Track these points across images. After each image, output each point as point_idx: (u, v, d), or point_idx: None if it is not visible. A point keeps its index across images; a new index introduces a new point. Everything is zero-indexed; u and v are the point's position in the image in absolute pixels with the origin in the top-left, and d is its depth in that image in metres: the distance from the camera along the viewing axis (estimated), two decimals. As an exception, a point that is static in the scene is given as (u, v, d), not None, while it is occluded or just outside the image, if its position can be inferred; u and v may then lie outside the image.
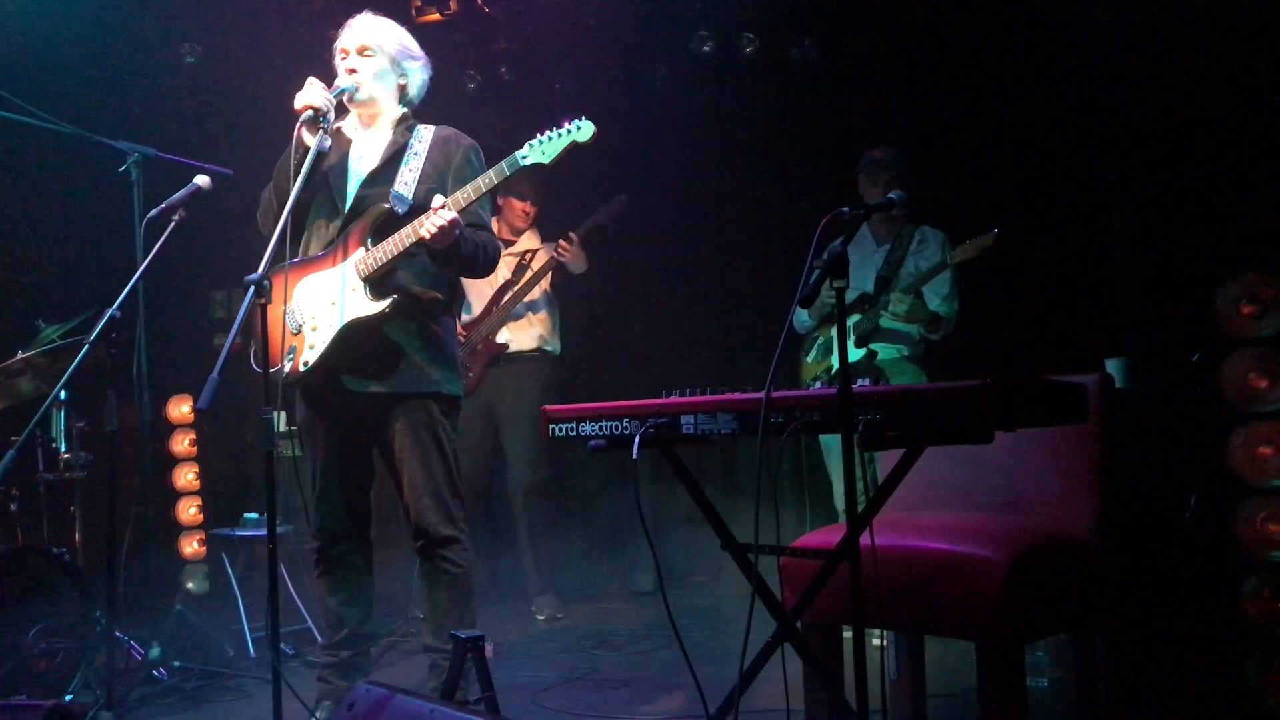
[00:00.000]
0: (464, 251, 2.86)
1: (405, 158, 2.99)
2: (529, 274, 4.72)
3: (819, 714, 2.49)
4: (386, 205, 2.91)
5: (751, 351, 5.27)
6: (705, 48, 5.25)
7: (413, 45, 3.08)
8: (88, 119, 3.72)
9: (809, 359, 4.26)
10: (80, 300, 3.90)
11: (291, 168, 2.85)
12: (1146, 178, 4.24)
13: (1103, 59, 4.20)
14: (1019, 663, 2.22)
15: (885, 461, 2.82)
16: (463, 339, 4.55)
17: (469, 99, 5.43)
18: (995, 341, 4.47)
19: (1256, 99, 3.75)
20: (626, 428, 2.31)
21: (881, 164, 4.15)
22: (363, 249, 2.88)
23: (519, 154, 2.80)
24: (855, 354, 4.02)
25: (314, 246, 3.00)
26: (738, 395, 2.18)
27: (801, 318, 4.28)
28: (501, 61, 5.49)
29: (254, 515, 4.36)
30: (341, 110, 2.98)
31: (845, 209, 2.17)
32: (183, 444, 5.15)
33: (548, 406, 2.50)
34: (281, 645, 3.69)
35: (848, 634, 2.27)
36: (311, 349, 2.89)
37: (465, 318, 4.66)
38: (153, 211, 3.20)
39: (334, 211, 2.99)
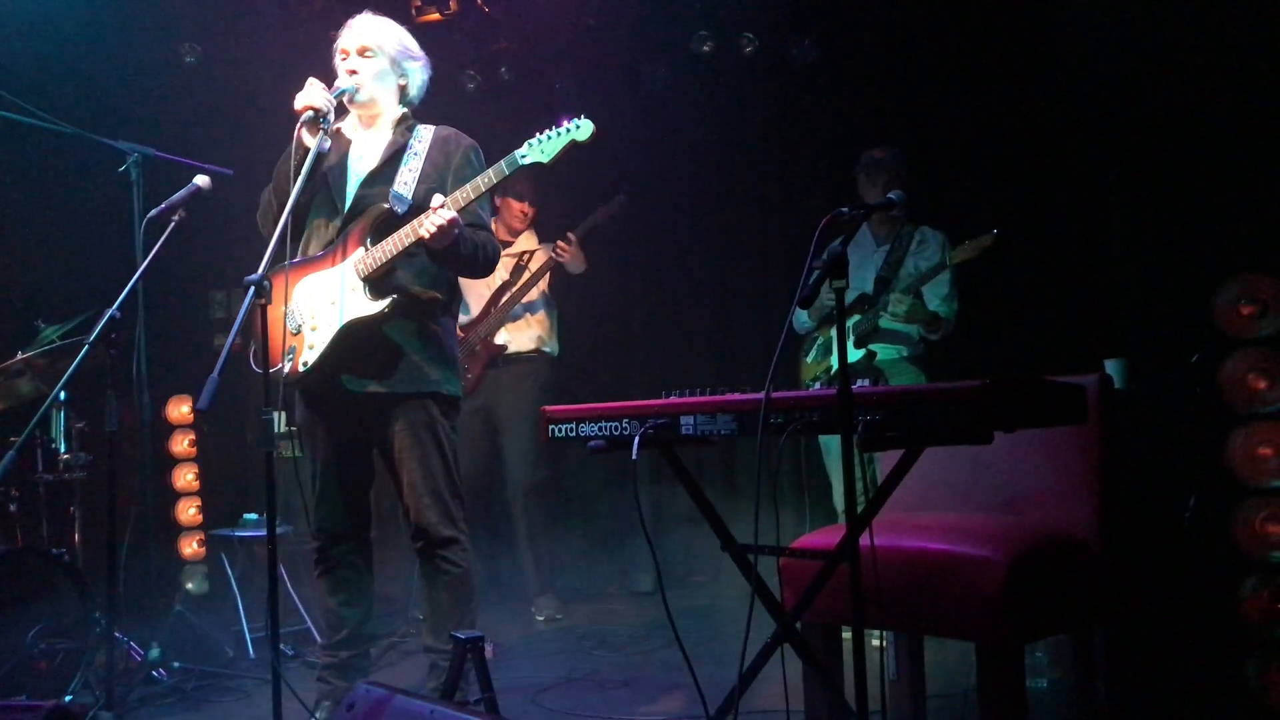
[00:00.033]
0: (463, 251, 2.86)
1: (405, 158, 2.99)
2: (527, 275, 4.72)
3: (819, 714, 2.49)
4: (386, 205, 2.91)
5: (751, 352, 5.27)
6: (705, 48, 5.25)
7: (413, 45, 3.08)
8: (88, 119, 3.72)
9: (808, 359, 4.26)
10: (80, 300, 3.90)
11: (291, 168, 2.85)
12: (1146, 178, 4.24)
13: (1102, 59, 4.20)
14: (1019, 663, 2.22)
15: (885, 462, 2.81)
16: (461, 340, 4.55)
17: (469, 99, 5.43)
18: (995, 342, 4.47)
19: (1256, 99, 3.75)
20: (626, 428, 2.31)
21: (881, 164, 4.16)
22: (362, 249, 2.88)
23: (518, 153, 2.80)
24: (855, 354, 4.02)
25: (313, 246, 3.00)
26: (737, 396, 2.18)
27: (801, 318, 4.28)
28: (501, 61, 5.50)
29: (253, 516, 4.36)
30: (342, 111, 2.98)
31: (845, 209, 2.17)
32: (182, 444, 5.15)
33: (547, 407, 2.50)
34: (281, 646, 3.68)
35: (847, 634, 2.27)
36: (311, 349, 2.89)
37: (463, 319, 4.65)
38: (153, 212, 3.20)
39: (333, 211, 2.99)
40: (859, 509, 2.12)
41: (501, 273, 4.69)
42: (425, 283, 2.96)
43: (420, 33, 3.19)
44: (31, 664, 3.27)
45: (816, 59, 5.13)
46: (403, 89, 3.06)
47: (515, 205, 4.77)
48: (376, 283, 2.87)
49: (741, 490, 5.08)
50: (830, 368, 4.11)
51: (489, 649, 3.34)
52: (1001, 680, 2.18)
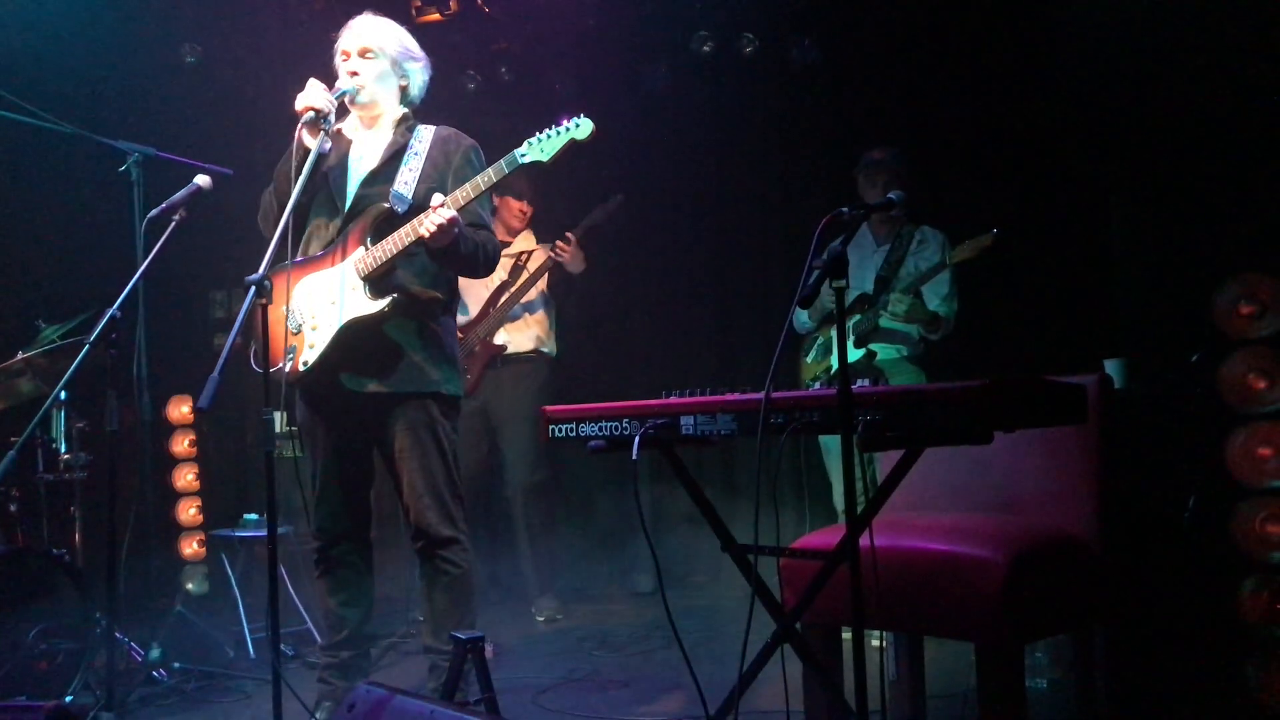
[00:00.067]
0: (463, 250, 2.86)
1: (405, 157, 2.99)
2: (525, 275, 4.72)
3: (819, 715, 2.49)
4: (386, 204, 2.91)
5: (751, 351, 5.27)
6: (705, 48, 5.25)
7: (413, 46, 3.08)
8: (88, 119, 3.73)
9: (808, 359, 4.26)
10: (80, 300, 3.90)
11: (292, 169, 2.85)
12: (1145, 178, 4.25)
13: (1102, 59, 4.21)
14: (1018, 663, 2.22)
15: (885, 462, 2.82)
16: (459, 341, 4.55)
17: (469, 99, 5.44)
18: (995, 342, 4.47)
19: (1256, 99, 3.75)
20: (626, 428, 2.31)
21: (881, 164, 4.16)
22: (362, 248, 2.88)
23: (518, 152, 2.80)
24: (855, 354, 4.02)
25: (314, 246, 3.00)
26: (737, 396, 2.18)
27: (801, 318, 4.28)
28: (501, 61, 5.50)
29: (254, 516, 4.36)
30: (342, 112, 2.98)
31: (845, 209, 2.17)
32: (183, 444, 5.15)
33: (548, 407, 2.50)
34: (281, 646, 3.69)
35: (847, 635, 2.27)
36: (311, 349, 2.90)
37: (461, 319, 4.64)
38: (153, 211, 3.20)
39: (334, 211, 2.99)
40: (859, 509, 2.12)
41: (500, 273, 4.69)
42: (425, 282, 2.96)
43: (420, 33, 3.19)
44: (32, 664, 3.27)
45: (816, 59, 5.13)
46: (404, 90, 3.06)
47: (514, 204, 4.77)
48: (377, 282, 2.87)
49: (741, 490, 5.07)
50: (830, 367, 4.11)
51: (489, 649, 3.34)
52: (1001, 680, 2.18)
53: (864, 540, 2.11)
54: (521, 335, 4.72)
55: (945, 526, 2.38)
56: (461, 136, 3.07)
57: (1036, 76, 4.59)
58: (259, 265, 2.54)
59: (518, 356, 4.70)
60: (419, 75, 3.09)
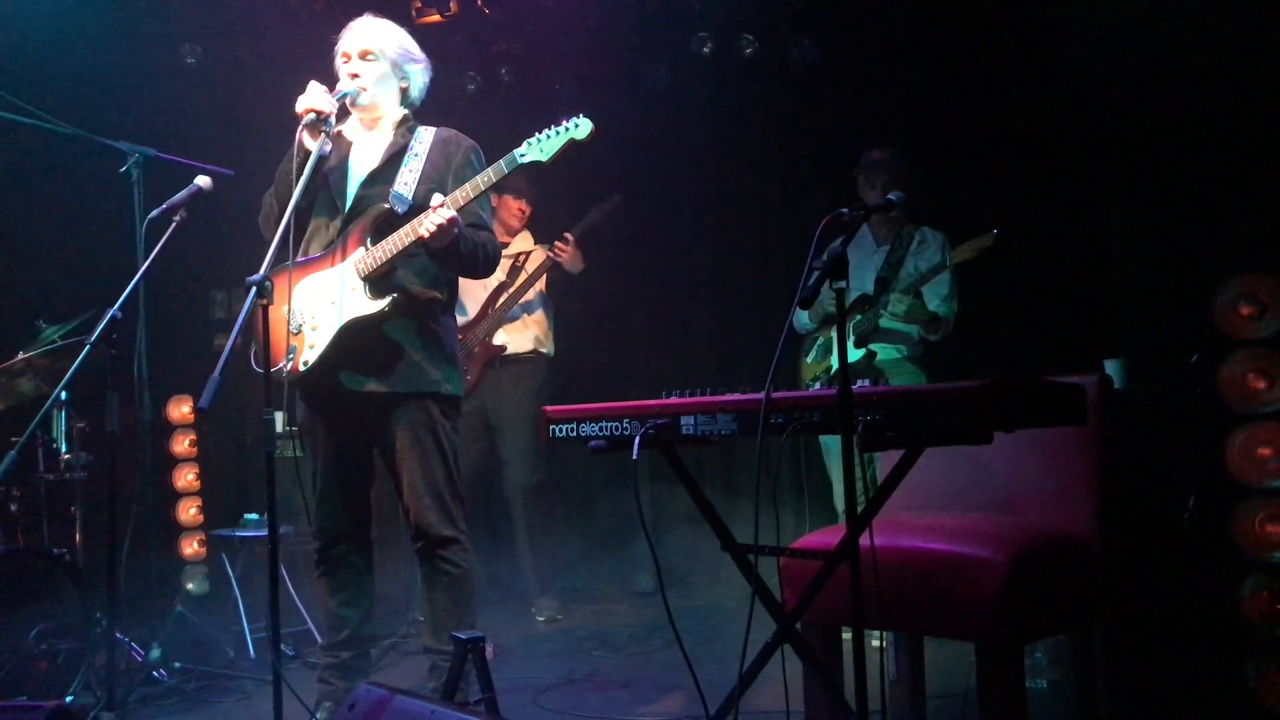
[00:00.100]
0: (463, 250, 2.86)
1: (405, 158, 2.99)
2: (523, 276, 4.72)
3: (819, 715, 2.49)
4: (386, 205, 2.91)
5: (751, 352, 5.28)
6: (705, 48, 5.25)
7: (414, 48, 3.08)
8: (88, 119, 3.72)
9: (809, 359, 4.26)
10: (81, 300, 3.90)
11: (293, 170, 2.85)
12: (1145, 178, 4.24)
13: (1102, 59, 4.20)
14: (1018, 663, 2.22)
15: (885, 462, 2.82)
16: (459, 341, 4.55)
17: (469, 99, 5.44)
18: (994, 342, 4.47)
19: (1256, 99, 3.75)
20: (626, 428, 2.31)
21: (880, 165, 4.16)
22: (362, 248, 2.88)
23: (517, 152, 2.80)
24: (855, 354, 4.02)
25: (314, 247, 3.00)
26: (737, 396, 2.18)
27: (801, 318, 4.28)
28: (501, 62, 5.50)
29: (254, 516, 4.37)
30: (343, 113, 2.98)
31: (845, 210, 2.17)
32: (183, 444, 5.15)
33: (548, 407, 2.50)
34: (282, 646, 3.69)
35: (847, 635, 2.27)
36: (311, 349, 2.90)
37: (460, 320, 4.65)
38: (154, 212, 3.20)
39: (334, 211, 2.99)
40: (859, 509, 2.12)
41: (498, 274, 4.69)
42: (425, 282, 2.96)
43: (420, 34, 3.19)
44: (32, 664, 3.27)
45: (816, 60, 5.13)
46: (404, 91, 3.06)
47: (513, 203, 4.77)
48: (377, 282, 2.87)
49: (741, 490, 5.08)
50: (830, 368, 4.11)
51: (489, 649, 3.34)
52: (1001, 680, 2.18)
53: (864, 540, 2.11)
54: (520, 336, 4.73)
55: (945, 526, 2.38)
56: (462, 137, 3.07)
57: (1036, 76, 4.59)
58: (259, 266, 2.54)
59: (517, 357, 4.71)
60: (419, 77, 3.09)
